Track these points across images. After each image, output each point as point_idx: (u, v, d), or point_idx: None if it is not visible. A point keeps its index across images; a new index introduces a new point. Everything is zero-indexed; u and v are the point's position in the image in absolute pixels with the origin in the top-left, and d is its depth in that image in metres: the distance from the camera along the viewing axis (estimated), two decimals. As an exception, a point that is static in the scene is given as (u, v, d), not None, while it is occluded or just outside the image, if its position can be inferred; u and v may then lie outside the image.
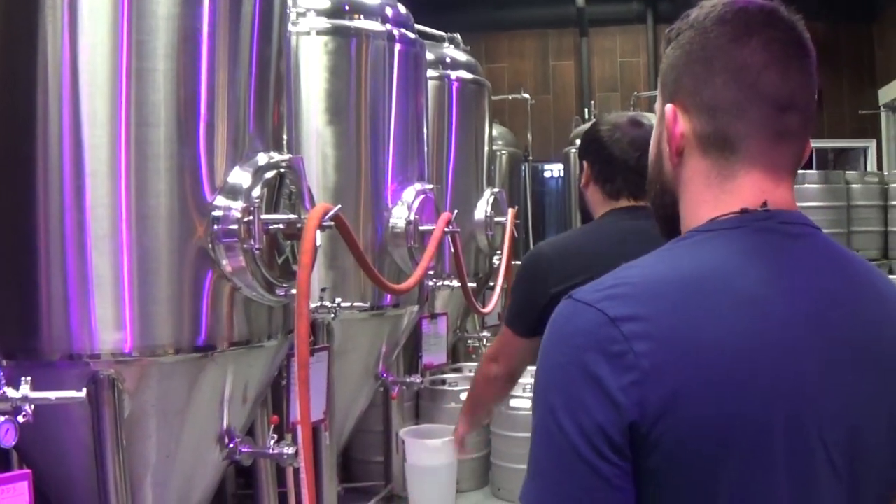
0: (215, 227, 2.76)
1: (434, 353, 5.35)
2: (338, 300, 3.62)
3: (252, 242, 2.72)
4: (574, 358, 1.30)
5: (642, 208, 2.97)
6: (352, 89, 4.56)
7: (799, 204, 2.30)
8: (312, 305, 3.24)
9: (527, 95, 10.43)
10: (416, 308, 4.97)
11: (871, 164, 10.93)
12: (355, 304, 3.82)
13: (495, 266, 6.83)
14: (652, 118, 1.76)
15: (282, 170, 2.95)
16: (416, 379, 5.10)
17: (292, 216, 2.89)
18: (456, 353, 7.57)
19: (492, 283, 6.71)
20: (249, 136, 3.00)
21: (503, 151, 9.72)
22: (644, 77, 11.39)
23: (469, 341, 7.51)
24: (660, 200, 1.59)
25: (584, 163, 3.22)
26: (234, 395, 3.01)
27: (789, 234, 1.43)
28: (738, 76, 1.43)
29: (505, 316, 3.59)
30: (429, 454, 5.08)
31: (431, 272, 4.84)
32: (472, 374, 6.46)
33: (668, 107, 1.50)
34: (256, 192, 2.79)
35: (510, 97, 10.58)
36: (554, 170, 11.69)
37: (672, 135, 1.50)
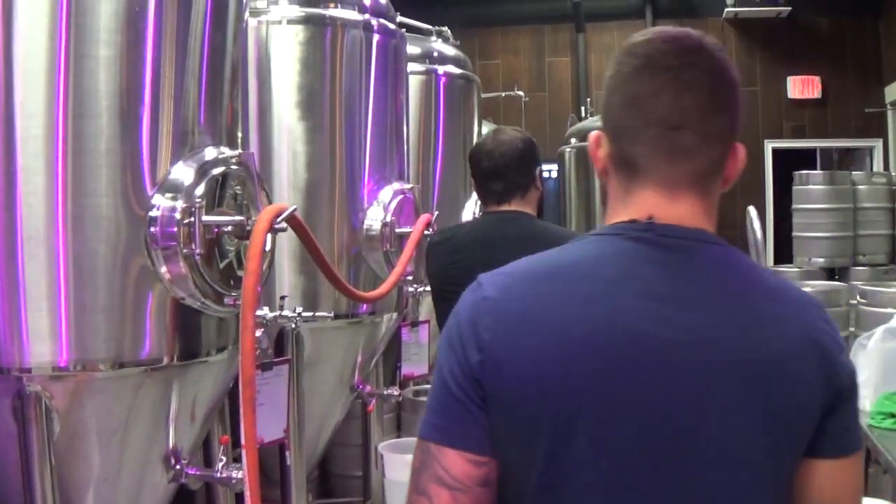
0: (152, 229, 2.55)
1: (415, 364, 5.12)
2: (298, 309, 3.39)
3: (193, 247, 2.51)
4: (460, 321, 1.54)
5: (499, 212, 3.58)
6: (325, 82, 4.33)
7: (804, 206, 4.52)
8: (271, 315, 3.01)
9: (521, 93, 10.22)
10: (394, 315, 4.77)
11: (878, 165, 10.76)
12: (318, 314, 3.58)
13: (484, 270, 6.60)
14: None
15: (232, 167, 2.74)
16: (395, 391, 4.90)
17: (238, 218, 2.66)
18: None
19: (480, 288, 6.46)
20: (199, 129, 2.79)
21: None
22: None
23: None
24: (605, 210, 1.72)
25: None
26: (180, 414, 2.80)
27: (663, 245, 1.55)
28: (633, 104, 1.57)
29: None
30: (409, 470, 4.88)
31: (410, 277, 4.62)
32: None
33: (592, 133, 1.68)
34: (199, 190, 2.57)
35: (503, 94, 10.37)
36: (551, 170, 11.47)
37: (595, 158, 1.67)
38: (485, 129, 9.54)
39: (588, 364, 1.47)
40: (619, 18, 11.49)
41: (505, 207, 3.57)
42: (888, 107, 10.54)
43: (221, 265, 2.68)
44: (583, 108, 10.39)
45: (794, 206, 8.39)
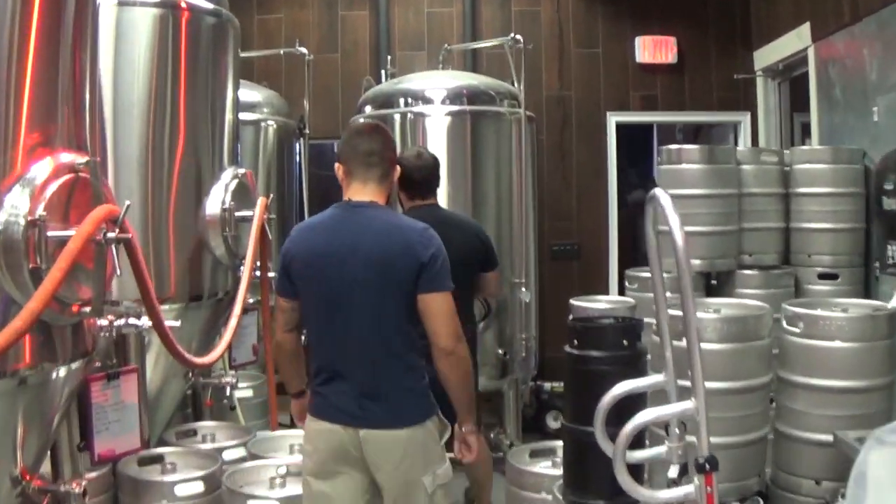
0: None
1: (117, 436, 3.67)
2: None
3: None
4: (285, 246, 4.39)
5: (426, 204, 6.00)
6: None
7: (678, 191, 6.57)
8: None
9: (303, 49, 8.89)
10: (73, 366, 3.39)
11: (744, 143, 9.91)
12: None
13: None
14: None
15: None
16: (74, 486, 3.39)
17: None
18: (196, 406, 6.31)
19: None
20: None
21: (270, 122, 8.65)
22: (458, 29, 10.01)
23: (210, 389, 5.83)
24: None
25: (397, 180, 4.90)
26: None
27: (353, 210, 4.25)
28: (352, 147, 4.34)
29: None
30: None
31: (90, 307, 3.15)
32: (204, 447, 5.41)
33: (336, 164, 4.37)
34: None
35: (283, 52, 9.07)
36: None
37: (338, 174, 4.37)
38: (258, 95, 8.35)
39: (313, 260, 4.21)
40: (430, -35, 10.42)
41: (430, 201, 6.03)
42: (759, 74, 9.61)
43: None
44: (383, 72, 9.35)
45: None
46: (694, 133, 11.50)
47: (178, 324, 4.04)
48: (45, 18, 3.12)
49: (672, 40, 9.96)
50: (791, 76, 9.24)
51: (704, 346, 5.06)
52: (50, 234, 2.82)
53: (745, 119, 9.94)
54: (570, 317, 6.13)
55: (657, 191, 3.00)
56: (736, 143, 10.00)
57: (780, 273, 7.11)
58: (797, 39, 8.42)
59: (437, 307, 4.13)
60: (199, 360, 4.47)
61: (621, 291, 8.77)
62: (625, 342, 4.44)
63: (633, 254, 10.09)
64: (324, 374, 4.24)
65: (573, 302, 7.41)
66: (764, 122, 9.68)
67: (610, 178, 10.03)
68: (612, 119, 10.09)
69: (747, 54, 9.82)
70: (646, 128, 11.13)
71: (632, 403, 3.41)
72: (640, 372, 4.23)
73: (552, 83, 10.01)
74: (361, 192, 4.25)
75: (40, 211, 2.84)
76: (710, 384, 5.00)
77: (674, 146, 7.60)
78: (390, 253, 4.12)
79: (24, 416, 3.27)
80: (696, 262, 6.75)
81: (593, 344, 4.50)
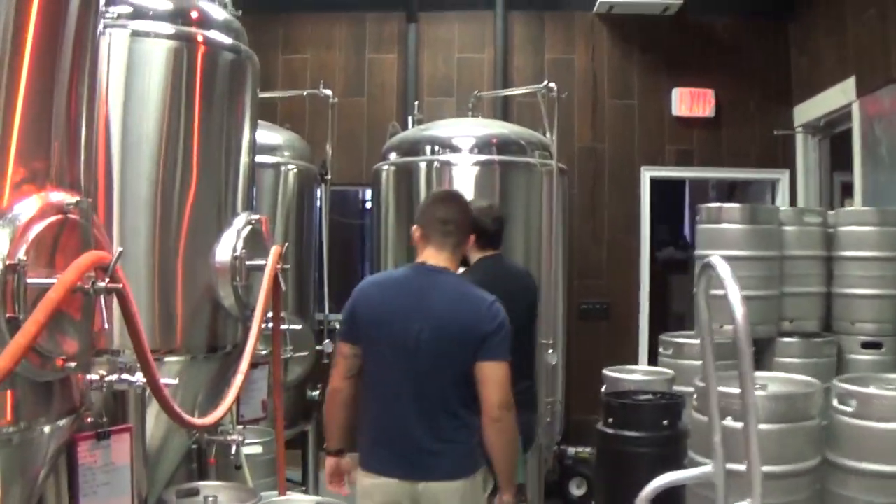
0: None
1: (106, 500, 3.44)
2: None
3: None
4: (352, 297, 4.97)
5: (496, 255, 6.29)
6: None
7: (717, 252, 4.92)
8: None
9: (328, 91, 8.65)
10: (62, 423, 3.12)
11: (782, 201, 9.70)
12: None
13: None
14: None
15: None
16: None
17: None
18: (201, 463, 5.73)
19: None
20: None
21: (291, 166, 8.23)
22: (489, 76, 9.93)
23: (215, 446, 5.54)
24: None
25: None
26: None
27: (427, 273, 4.84)
28: (430, 213, 4.96)
29: None
30: None
31: (72, 363, 2.89)
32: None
33: (414, 227, 5.00)
34: None
35: (306, 93, 8.84)
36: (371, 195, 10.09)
37: (413, 236, 5.00)
38: (279, 137, 8.11)
39: (382, 314, 4.76)
40: (461, 8, 10.31)
41: (498, 251, 6.29)
42: (798, 130, 9.37)
43: None
44: (410, 118, 9.10)
45: (699, 251, 6.78)
46: (728, 190, 11.25)
47: (175, 382, 3.71)
48: (39, 49, 2.90)
49: (710, 93, 9.77)
50: (833, 133, 9.01)
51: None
52: (30, 280, 2.58)
53: (783, 177, 9.73)
54: (603, 388, 5.84)
55: (714, 259, 2.74)
56: (773, 202, 9.76)
57: (821, 341, 6.82)
58: (841, 94, 8.21)
59: (493, 375, 4.55)
60: (197, 422, 4.08)
61: (652, 353, 8.53)
62: (665, 422, 4.18)
63: (664, 314, 9.86)
64: (379, 427, 4.73)
65: (606, 372, 7.05)
66: (803, 180, 9.47)
67: (642, 235, 9.83)
68: (647, 174, 9.89)
69: (787, 109, 9.60)
70: (677, 182, 10.87)
71: (671, 489, 3.13)
72: (681, 454, 3.94)
73: (585, 134, 9.83)
74: (436, 257, 4.81)
75: (21, 254, 2.59)
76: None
77: (714, 204, 7.35)
78: (458, 319, 4.64)
79: (3, 475, 3.00)
80: (731, 327, 6.49)
81: (630, 423, 4.25)
